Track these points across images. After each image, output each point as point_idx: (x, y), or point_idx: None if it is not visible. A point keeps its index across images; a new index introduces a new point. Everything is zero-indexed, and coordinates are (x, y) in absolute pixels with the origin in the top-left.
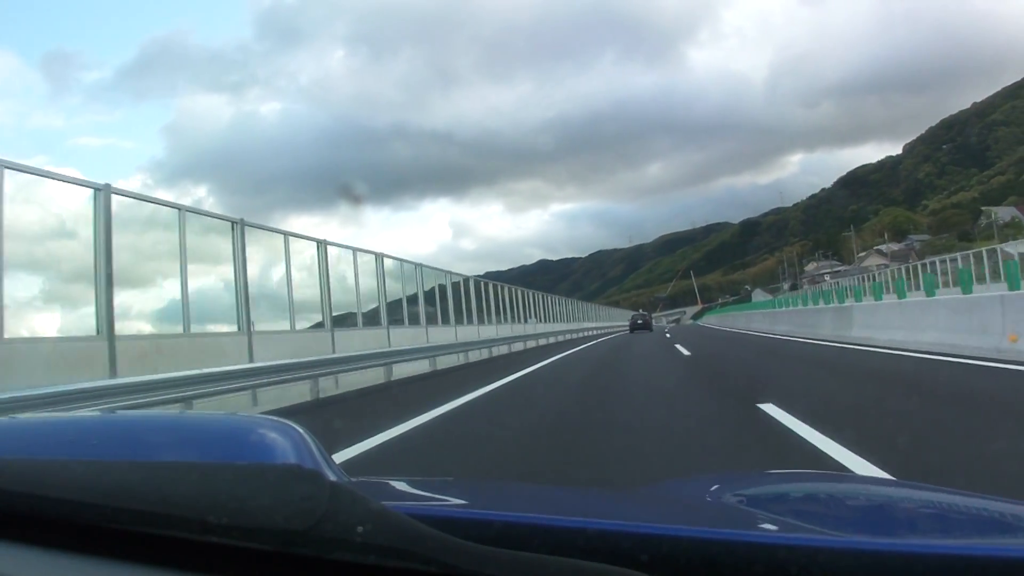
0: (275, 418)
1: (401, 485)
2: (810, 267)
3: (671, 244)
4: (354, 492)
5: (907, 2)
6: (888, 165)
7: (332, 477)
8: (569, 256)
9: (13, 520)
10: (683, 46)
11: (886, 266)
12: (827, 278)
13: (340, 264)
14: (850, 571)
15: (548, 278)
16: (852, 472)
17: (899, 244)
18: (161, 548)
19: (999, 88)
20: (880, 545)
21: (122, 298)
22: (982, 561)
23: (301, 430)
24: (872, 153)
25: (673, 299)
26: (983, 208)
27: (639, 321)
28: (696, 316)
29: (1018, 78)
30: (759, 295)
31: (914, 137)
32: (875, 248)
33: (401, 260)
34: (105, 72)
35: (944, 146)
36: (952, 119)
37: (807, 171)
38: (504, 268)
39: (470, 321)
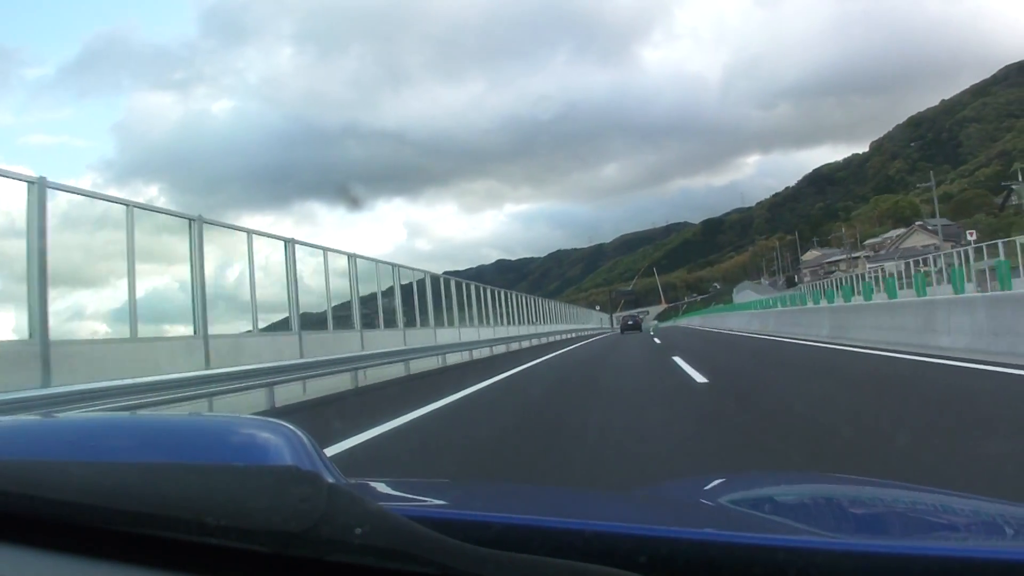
0: (272, 419)
1: (399, 487)
2: (809, 256)
3: (631, 243)
4: (352, 494)
5: (863, 3)
6: (855, 163)
7: (330, 479)
8: (527, 256)
9: (12, 522)
10: (637, 46)
11: (935, 247)
12: (842, 266)
13: (301, 265)
14: (849, 573)
15: (506, 278)
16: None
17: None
18: (159, 550)
19: (966, 86)
20: (879, 547)
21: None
22: (981, 563)
23: (299, 431)
24: (829, 154)
25: (635, 300)
26: (1014, 187)
27: (630, 322)
28: (664, 316)
29: (986, 75)
30: (747, 293)
31: (876, 136)
32: (918, 224)
33: (376, 260)
34: (48, 69)
35: (912, 143)
36: (920, 116)
37: (763, 173)
38: (462, 268)
39: (451, 323)
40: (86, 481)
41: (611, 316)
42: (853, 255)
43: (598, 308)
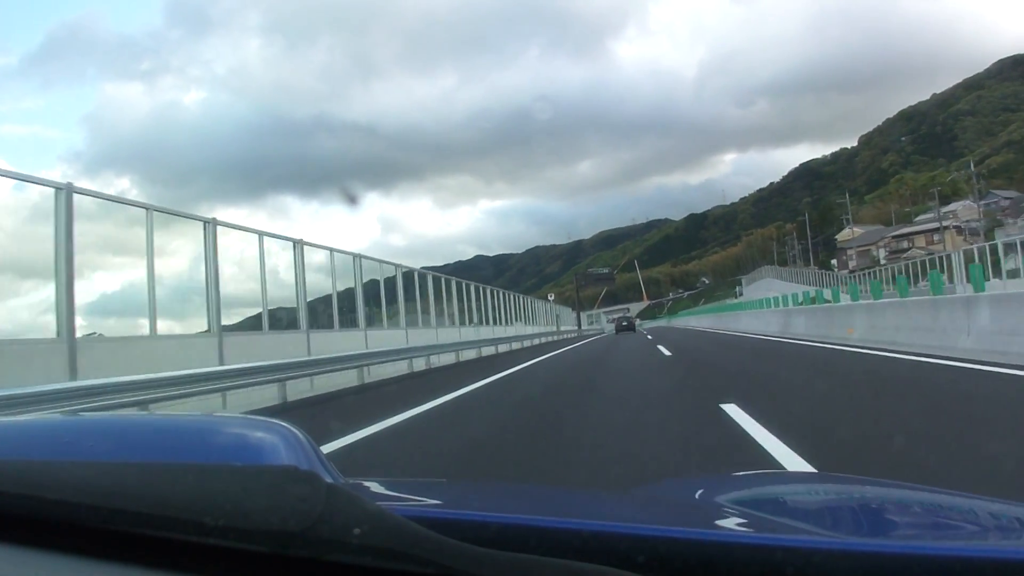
0: (271, 419)
1: (397, 486)
2: (847, 235)
3: (611, 240)
4: (350, 493)
5: (841, 2)
6: (843, 157)
7: (328, 479)
8: (505, 252)
9: (10, 522)
10: (611, 42)
11: None
12: (918, 241)
13: (270, 259)
14: (847, 573)
15: (483, 274)
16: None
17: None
18: (157, 550)
19: (950, 83)
20: (877, 546)
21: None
22: (979, 563)
23: (297, 431)
24: (807, 153)
25: (613, 294)
26: None
27: (624, 323)
28: (647, 314)
29: (975, 71)
30: (768, 282)
31: (856, 134)
32: None
33: (331, 250)
34: (11, 58)
35: (903, 138)
36: (911, 110)
37: (740, 171)
38: (440, 263)
39: (426, 323)
40: (85, 481)
41: (579, 315)
42: (943, 224)
43: (551, 298)
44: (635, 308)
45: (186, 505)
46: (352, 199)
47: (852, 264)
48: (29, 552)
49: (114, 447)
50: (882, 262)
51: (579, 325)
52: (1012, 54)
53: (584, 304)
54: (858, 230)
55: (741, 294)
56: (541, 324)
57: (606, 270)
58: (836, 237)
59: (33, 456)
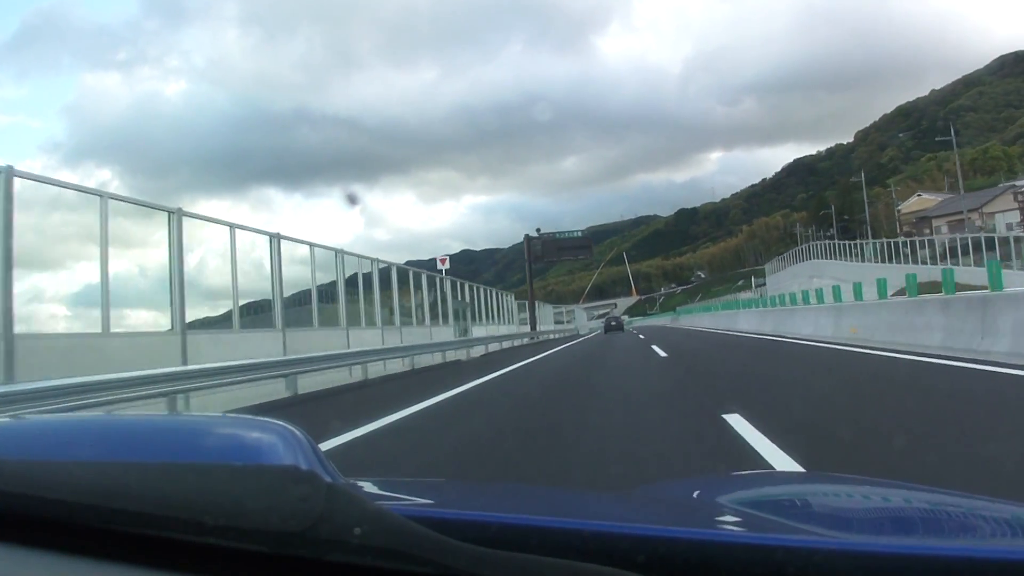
0: (271, 419)
1: (397, 486)
2: (915, 205)
3: (598, 235)
4: (351, 493)
5: (828, 1)
6: (839, 153)
7: (329, 479)
8: (491, 247)
9: (10, 521)
10: (595, 37)
11: None
12: None
13: (253, 251)
14: (847, 572)
15: (469, 269)
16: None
17: None
18: (158, 549)
19: (938, 83)
20: (877, 547)
21: None
22: (979, 563)
23: (297, 431)
24: (793, 152)
25: (600, 289)
26: None
27: (612, 323)
28: (636, 310)
29: (970, 68)
30: (813, 268)
31: (844, 132)
32: None
33: (311, 244)
34: None
35: (900, 134)
36: (909, 106)
37: (725, 170)
38: (425, 258)
39: (420, 322)
40: (85, 481)
41: (531, 307)
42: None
43: (446, 265)
44: (623, 304)
45: (186, 505)
46: (352, 199)
47: (943, 235)
48: (29, 552)
49: (114, 447)
50: (1012, 228)
51: (533, 324)
52: (1013, 50)
53: (567, 299)
54: (931, 199)
55: (763, 284)
56: (415, 331)
57: (579, 233)
58: (899, 208)
59: (33, 456)
